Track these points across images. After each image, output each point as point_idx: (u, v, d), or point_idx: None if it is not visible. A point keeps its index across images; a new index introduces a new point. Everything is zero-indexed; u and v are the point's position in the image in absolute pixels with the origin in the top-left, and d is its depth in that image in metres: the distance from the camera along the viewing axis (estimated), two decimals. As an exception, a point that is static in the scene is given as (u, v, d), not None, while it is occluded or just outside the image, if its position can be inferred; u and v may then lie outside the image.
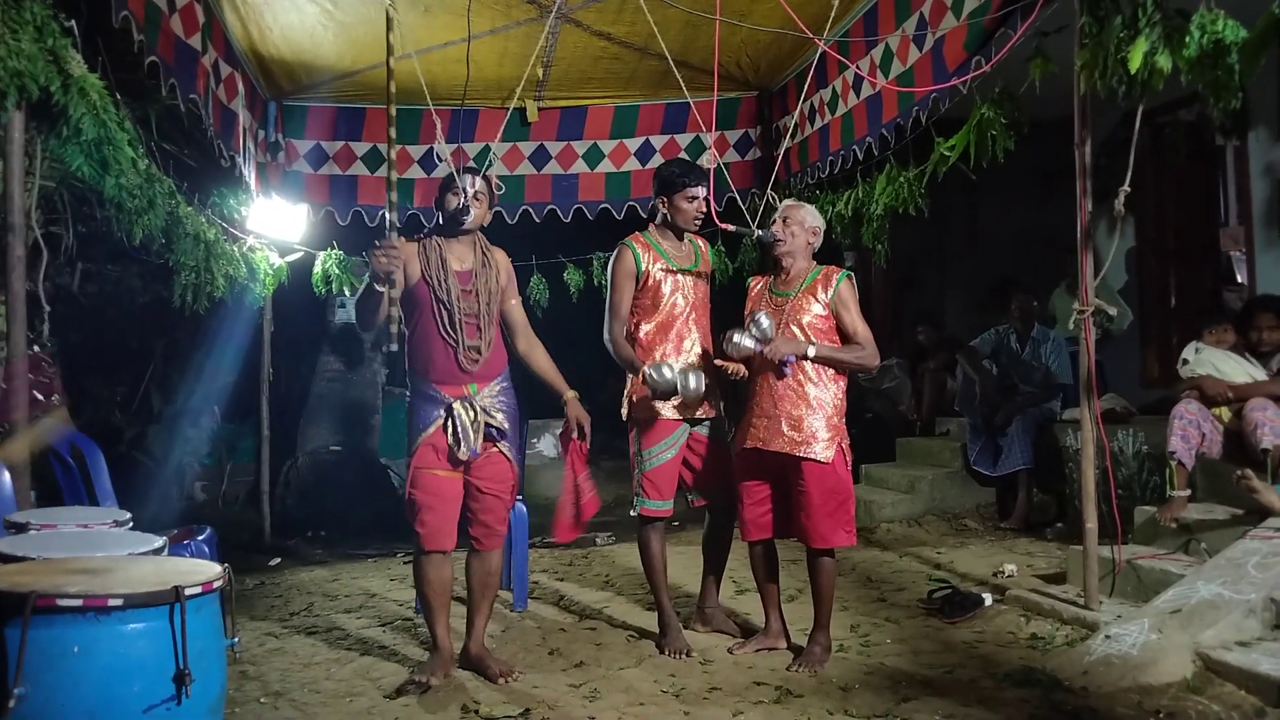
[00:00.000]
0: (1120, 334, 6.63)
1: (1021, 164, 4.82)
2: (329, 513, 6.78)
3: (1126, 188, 3.60)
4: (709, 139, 6.30)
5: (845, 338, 3.64)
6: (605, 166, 6.69)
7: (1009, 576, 4.69)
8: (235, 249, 5.58)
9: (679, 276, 3.88)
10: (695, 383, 3.65)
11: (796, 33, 4.31)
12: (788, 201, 3.86)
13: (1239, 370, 4.50)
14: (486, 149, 6.28)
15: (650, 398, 3.71)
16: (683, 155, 6.57)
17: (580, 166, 6.69)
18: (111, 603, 2.13)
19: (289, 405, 7.60)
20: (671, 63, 4.36)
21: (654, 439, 3.82)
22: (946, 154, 4.67)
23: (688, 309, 3.88)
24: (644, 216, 4.03)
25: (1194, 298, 6.72)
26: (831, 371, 3.61)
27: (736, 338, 3.55)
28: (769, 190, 5.12)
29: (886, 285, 9.00)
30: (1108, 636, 3.35)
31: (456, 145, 6.22)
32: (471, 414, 3.45)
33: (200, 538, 3.88)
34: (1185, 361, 4.66)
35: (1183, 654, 3.17)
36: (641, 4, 4.22)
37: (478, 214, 3.55)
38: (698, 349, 3.87)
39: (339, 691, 3.41)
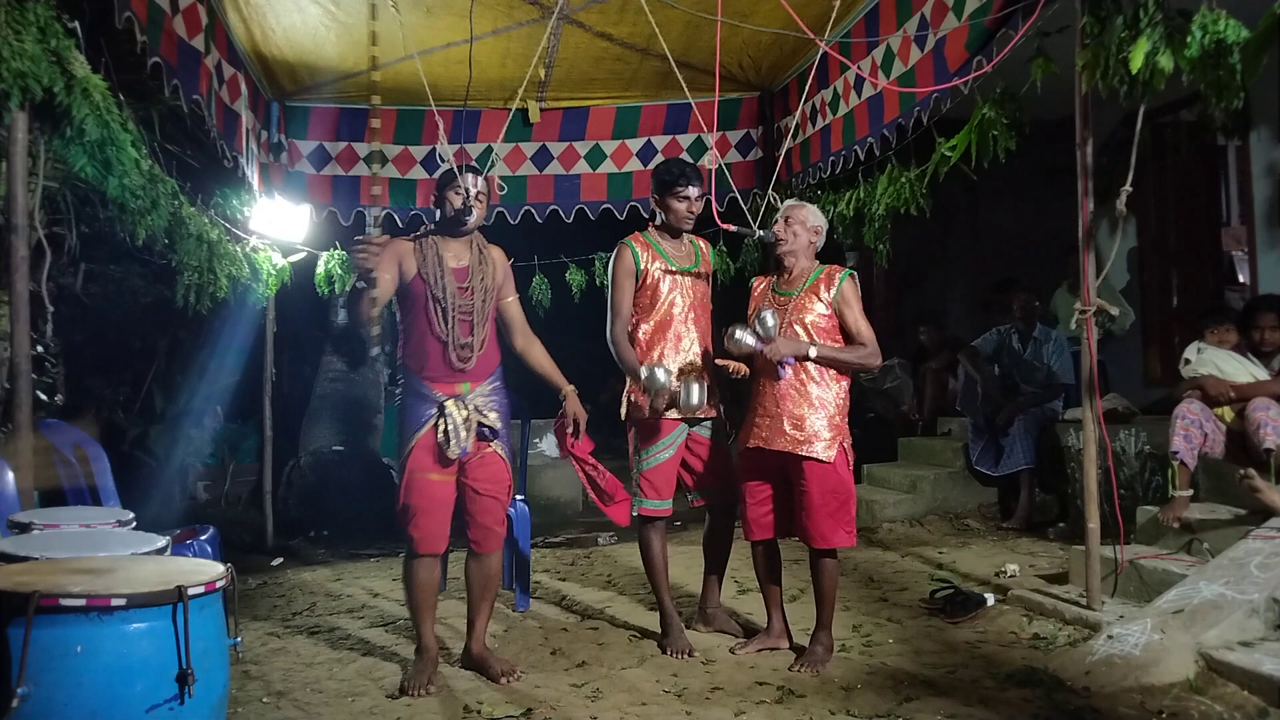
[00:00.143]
0: (1122, 334, 6.63)
1: (1023, 164, 4.82)
2: (331, 513, 6.78)
3: (1128, 187, 3.60)
4: (711, 139, 6.31)
5: (848, 337, 3.64)
6: (607, 167, 6.70)
7: (1011, 576, 4.69)
8: (238, 249, 5.59)
9: (678, 276, 3.89)
10: (697, 397, 3.66)
11: (798, 33, 4.31)
12: (790, 202, 3.86)
13: (1241, 370, 4.50)
14: (489, 149, 6.30)
15: (648, 402, 3.71)
16: (685, 155, 6.58)
17: (582, 167, 6.70)
18: (114, 602, 2.13)
19: (292, 405, 7.60)
20: (673, 63, 4.37)
21: (651, 439, 3.82)
22: (948, 154, 4.67)
23: (686, 309, 3.88)
24: (646, 217, 4.03)
25: (1196, 297, 6.71)
26: (834, 371, 3.61)
27: (739, 334, 3.54)
28: (770, 190, 5.11)
29: (888, 285, 9.00)
30: (1110, 636, 3.35)
31: (459, 146, 6.22)
32: (464, 413, 3.43)
33: (203, 537, 3.89)
34: (1187, 361, 4.66)
35: (1185, 654, 3.17)
36: (643, 5, 4.23)
37: (479, 213, 3.55)
38: (696, 349, 3.87)
39: (341, 691, 3.41)
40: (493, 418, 3.52)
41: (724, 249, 6.43)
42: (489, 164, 5.98)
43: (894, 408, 7.71)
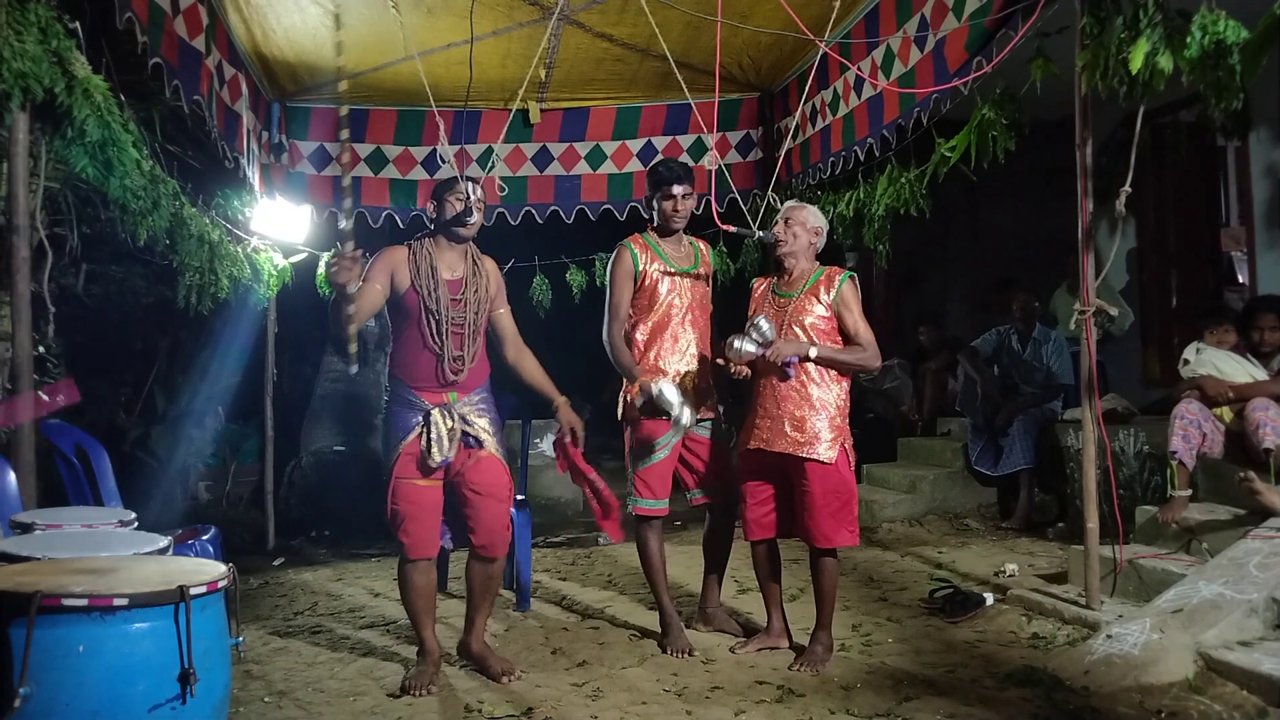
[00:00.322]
0: (1121, 334, 6.64)
1: (1023, 165, 4.83)
2: (333, 513, 6.79)
3: (1128, 188, 3.60)
4: (711, 140, 6.31)
5: (847, 339, 3.65)
6: (608, 168, 6.70)
7: (1010, 576, 4.70)
8: (239, 250, 5.60)
9: (676, 278, 3.89)
10: (688, 419, 3.66)
11: (798, 34, 4.32)
12: (790, 203, 3.87)
13: (1240, 370, 4.51)
14: (489, 150, 6.30)
15: (642, 406, 3.73)
16: (685, 156, 6.59)
17: (583, 168, 6.70)
18: (116, 602, 2.14)
19: (293, 405, 7.61)
20: (673, 64, 4.37)
21: (647, 439, 3.83)
22: (948, 155, 4.67)
23: (684, 310, 3.89)
24: (646, 218, 4.05)
25: (1195, 298, 6.72)
26: (834, 372, 3.62)
27: (738, 343, 3.55)
28: (770, 191, 5.12)
29: (888, 285, 9.00)
30: (1109, 636, 3.36)
31: (459, 146, 6.23)
32: (449, 422, 3.43)
33: (204, 538, 3.90)
34: (1186, 362, 4.66)
35: (1184, 654, 3.18)
36: (643, 5, 4.23)
37: (478, 219, 3.55)
38: (693, 350, 3.88)
39: (343, 691, 3.42)
40: (481, 424, 3.51)
41: (724, 250, 6.43)
42: (490, 165, 6.02)
43: (894, 408, 7.71)
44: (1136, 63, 3.27)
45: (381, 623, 4.29)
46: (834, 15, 4.44)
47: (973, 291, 8.34)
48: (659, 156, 6.58)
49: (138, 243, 4.46)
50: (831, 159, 5.78)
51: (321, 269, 6.55)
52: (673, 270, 3.89)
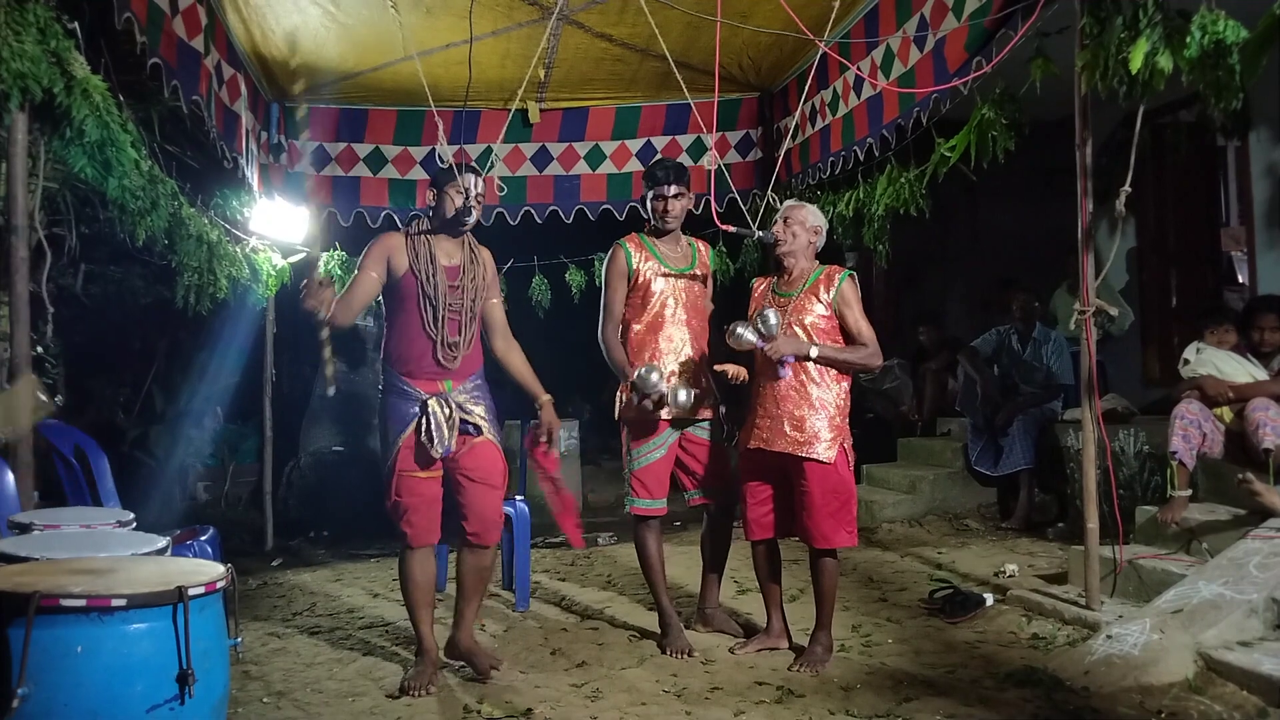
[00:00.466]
0: (1121, 334, 6.63)
1: (1022, 164, 4.83)
2: (331, 513, 6.79)
3: (1128, 188, 3.60)
4: (710, 140, 6.31)
5: (848, 338, 3.65)
6: (607, 168, 6.70)
7: (1010, 576, 4.70)
8: (238, 250, 5.59)
9: (671, 278, 3.90)
10: (684, 396, 3.68)
11: (797, 34, 4.31)
12: (789, 202, 3.86)
13: (1240, 370, 4.50)
14: (489, 150, 6.30)
15: (638, 401, 3.73)
16: (684, 156, 6.59)
17: (582, 168, 6.70)
18: (115, 603, 2.13)
19: (292, 406, 7.61)
20: (673, 64, 4.37)
21: (643, 439, 3.84)
22: (947, 154, 4.67)
23: (678, 310, 3.89)
24: (645, 218, 4.05)
25: (1195, 298, 6.72)
26: (834, 372, 3.61)
27: (740, 330, 3.54)
28: (770, 191, 5.12)
29: (888, 285, 9.00)
30: (1109, 636, 3.36)
31: (459, 146, 6.23)
32: (446, 411, 3.43)
33: (203, 538, 3.89)
34: (1186, 362, 4.66)
35: (1184, 654, 3.18)
36: (643, 5, 4.23)
37: (478, 214, 3.55)
38: (688, 350, 3.88)
39: (342, 691, 3.42)
40: (478, 411, 3.51)
41: (724, 250, 6.43)
42: (489, 165, 6.01)
43: (893, 408, 7.71)
44: (1136, 63, 3.27)
45: (380, 623, 4.29)
46: (834, 15, 4.43)
47: (972, 291, 8.34)
48: (658, 156, 6.58)
49: (136, 243, 4.45)
50: (831, 159, 5.78)
51: (321, 270, 6.55)
52: (667, 270, 3.90)
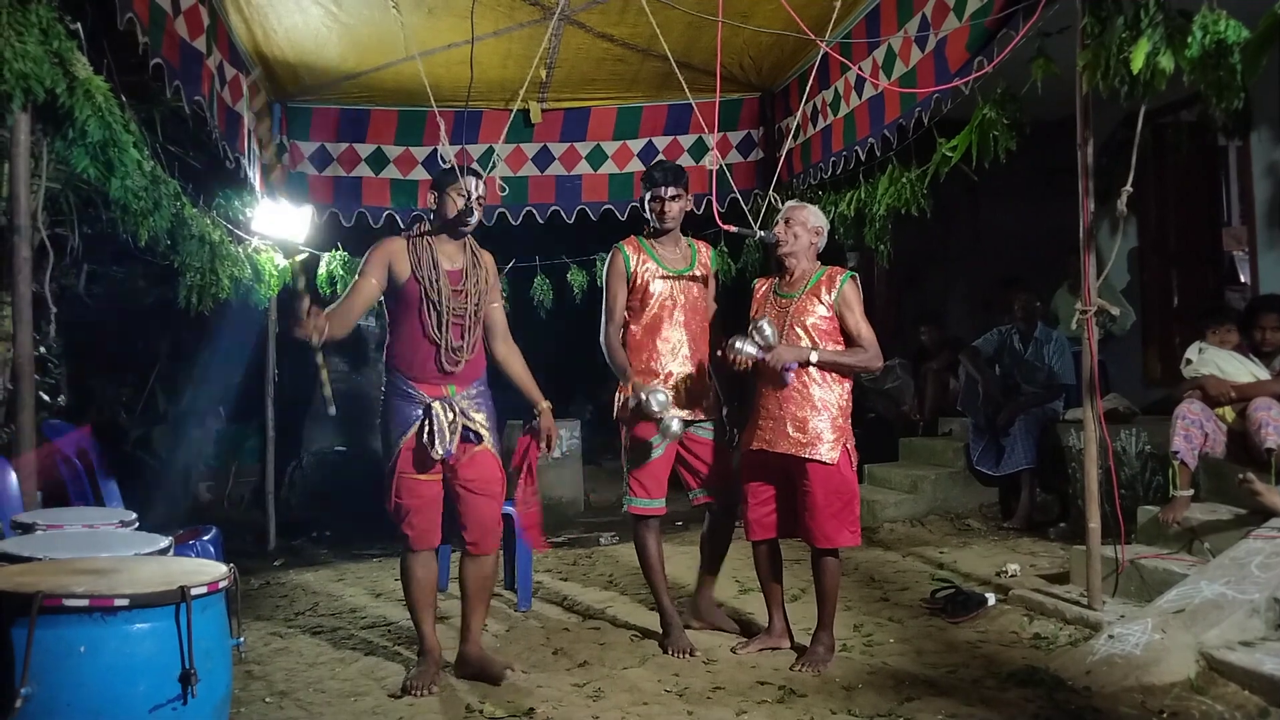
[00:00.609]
0: (1123, 334, 6.63)
1: (1024, 164, 4.82)
2: (334, 513, 6.80)
3: (1129, 188, 3.60)
4: (712, 140, 6.32)
5: (849, 339, 3.65)
6: (609, 168, 6.70)
7: (1012, 576, 4.70)
8: (240, 250, 5.60)
9: (670, 279, 3.91)
10: (676, 427, 3.70)
11: (799, 34, 4.32)
12: (790, 203, 3.87)
13: (1242, 370, 4.50)
14: (490, 150, 6.31)
15: (633, 406, 3.76)
16: (686, 156, 6.60)
17: (584, 168, 6.71)
18: (117, 603, 2.14)
19: (294, 406, 7.62)
20: (674, 64, 4.37)
21: (641, 438, 3.84)
22: (949, 154, 4.67)
23: (676, 311, 3.90)
24: (644, 219, 4.06)
25: (1196, 298, 6.71)
26: (836, 373, 3.62)
27: (739, 344, 3.55)
28: (771, 191, 5.12)
29: (889, 285, 8.99)
30: (1111, 636, 3.36)
31: (460, 146, 6.23)
32: (450, 415, 3.43)
33: (205, 538, 3.91)
34: (1189, 361, 4.66)
35: (1186, 654, 3.18)
36: (644, 6, 4.23)
37: (479, 216, 3.55)
38: (686, 350, 3.89)
39: (344, 691, 3.42)
40: (479, 419, 3.51)
41: (725, 250, 6.43)
42: (490, 165, 6.02)
43: (895, 408, 7.71)
44: (1137, 62, 3.27)
45: (382, 623, 4.30)
46: (835, 15, 4.43)
47: (974, 291, 8.33)
48: (660, 156, 6.59)
49: (139, 243, 4.46)
50: (832, 159, 5.78)
51: (323, 269, 6.56)
52: (665, 272, 3.91)
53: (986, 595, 4.24)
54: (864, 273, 7.06)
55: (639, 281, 3.90)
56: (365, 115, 6.45)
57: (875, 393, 7.70)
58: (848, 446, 3.61)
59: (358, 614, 4.48)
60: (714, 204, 3.82)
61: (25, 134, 3.42)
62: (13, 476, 3.45)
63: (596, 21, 5.40)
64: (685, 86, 4.26)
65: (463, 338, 3.49)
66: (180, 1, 4.10)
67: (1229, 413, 4.44)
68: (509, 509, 4.38)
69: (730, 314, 4.10)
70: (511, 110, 6.13)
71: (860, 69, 5.18)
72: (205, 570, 2.42)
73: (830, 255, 4.04)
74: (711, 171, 3.93)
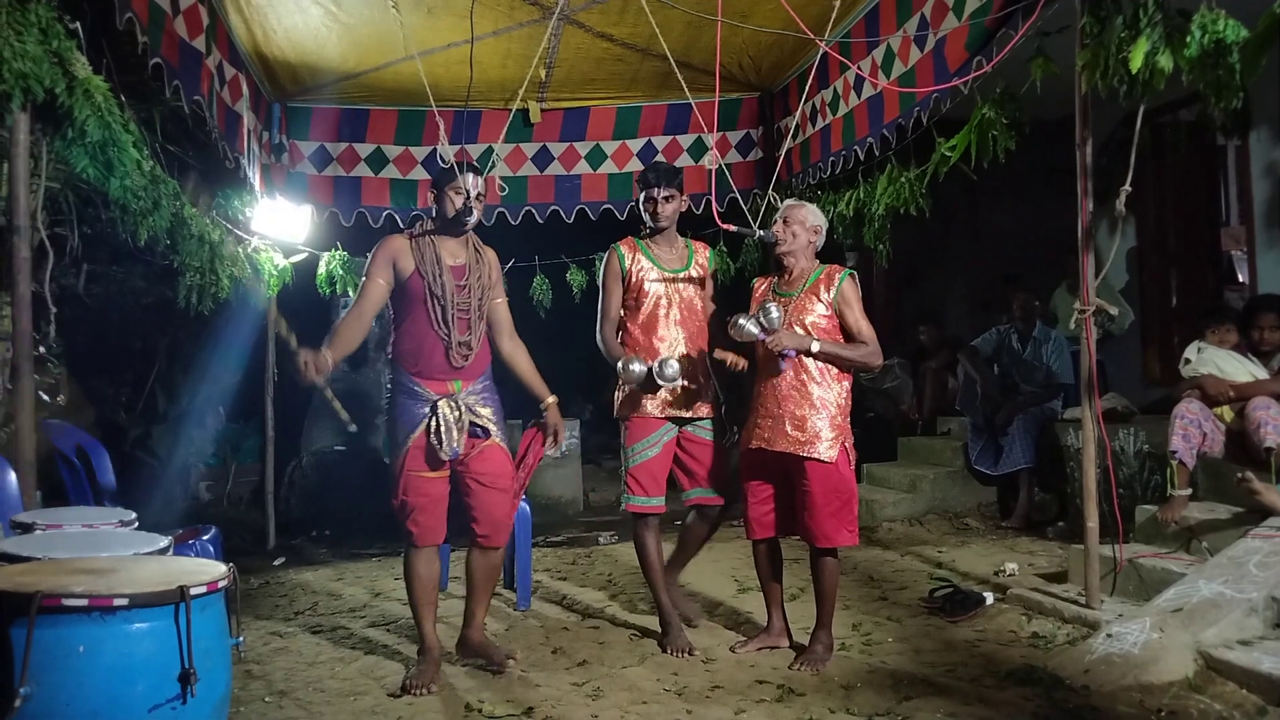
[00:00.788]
0: (1121, 334, 6.64)
1: (1023, 164, 4.83)
2: (333, 512, 6.80)
3: (1128, 187, 3.60)
4: (711, 140, 6.32)
5: (848, 337, 3.65)
6: (608, 167, 6.71)
7: (1010, 575, 4.70)
8: (240, 250, 5.60)
9: (665, 279, 3.93)
10: (671, 371, 3.70)
11: (798, 34, 4.32)
12: (789, 202, 3.87)
13: (1241, 370, 4.51)
14: (490, 150, 6.30)
15: (632, 391, 3.79)
16: (685, 156, 6.60)
17: (583, 167, 6.71)
18: (117, 602, 2.14)
19: (293, 405, 7.61)
20: (673, 64, 4.37)
21: (638, 435, 3.87)
22: (948, 154, 4.67)
23: (671, 310, 3.92)
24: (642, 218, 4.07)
25: (1195, 297, 6.72)
26: (835, 371, 3.62)
27: (742, 321, 3.54)
28: (770, 190, 5.12)
29: (888, 285, 9.01)
30: (1109, 635, 3.36)
31: (460, 146, 6.23)
32: (456, 412, 3.44)
33: (205, 537, 3.90)
34: (1187, 361, 4.66)
35: (1184, 653, 3.18)
36: (643, 5, 4.24)
37: (479, 213, 3.56)
38: (682, 349, 3.91)
39: (343, 690, 3.42)
40: (486, 414, 3.53)
41: (724, 249, 6.43)
42: (490, 164, 6.02)
43: (894, 407, 7.72)
44: (1136, 62, 3.27)
45: (382, 622, 4.30)
46: (834, 15, 4.43)
47: (973, 291, 8.34)
48: (659, 156, 6.59)
49: (138, 243, 4.46)
50: (832, 158, 5.78)
51: (322, 269, 6.56)
52: (661, 271, 3.93)
53: (985, 594, 4.25)
54: (863, 272, 7.04)
55: (634, 281, 3.92)
56: (365, 115, 6.45)
57: (874, 392, 7.71)
58: (846, 445, 3.61)
59: (357, 613, 4.48)
60: (713, 203, 3.83)
61: (24, 134, 3.42)
62: (12, 476, 3.45)
63: (596, 21, 5.40)
64: (684, 86, 4.27)
65: (468, 332, 3.50)
66: (179, 1, 4.10)
67: (1227, 412, 4.45)
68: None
69: (729, 313, 4.10)
70: (511, 110, 6.14)
71: (859, 68, 5.18)
72: (204, 570, 2.42)
73: (829, 255, 4.05)
74: (711, 171, 3.94)
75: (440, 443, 3.39)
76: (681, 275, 3.96)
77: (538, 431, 3.82)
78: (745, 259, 6.58)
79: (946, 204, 5.79)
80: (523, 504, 4.56)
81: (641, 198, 3.97)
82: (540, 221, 6.74)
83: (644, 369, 3.73)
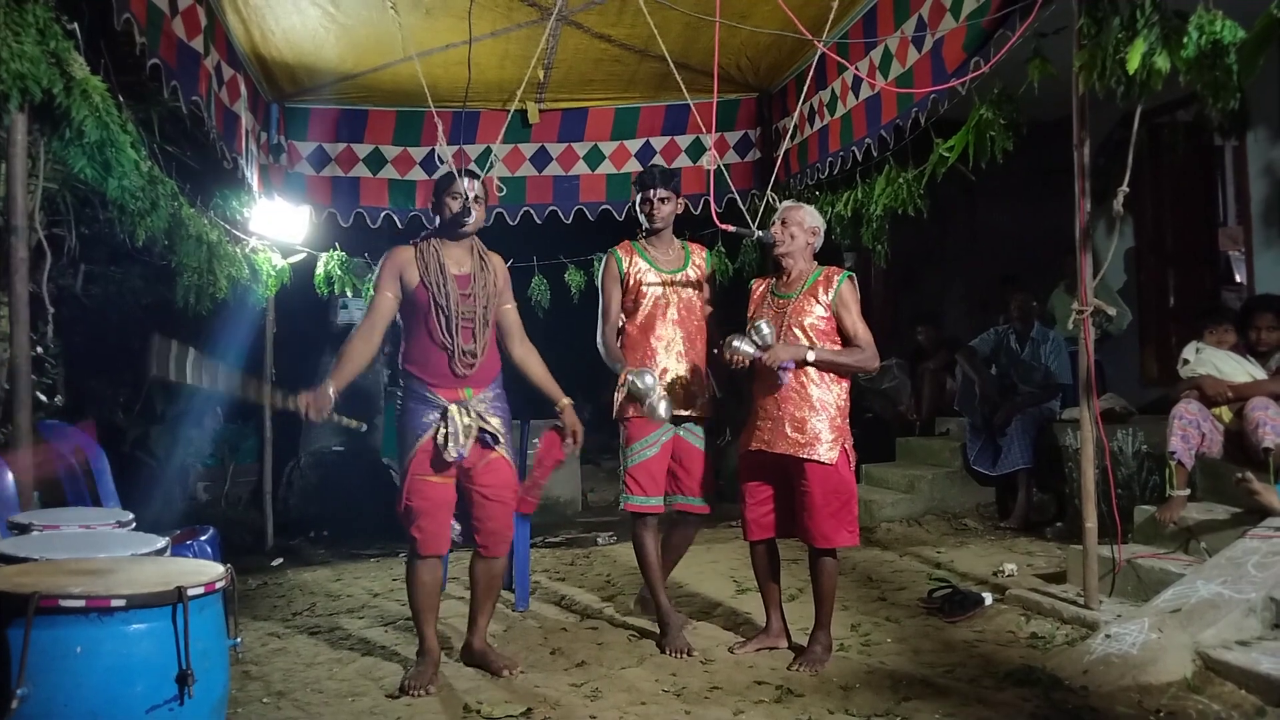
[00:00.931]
0: (1119, 334, 6.64)
1: (1020, 165, 4.83)
2: (331, 513, 6.79)
3: (1125, 188, 3.61)
4: (709, 140, 6.31)
5: (845, 339, 3.65)
6: (606, 168, 6.71)
7: (1009, 576, 4.70)
8: (238, 250, 5.60)
9: (662, 280, 3.95)
10: (664, 410, 3.72)
11: (796, 34, 4.31)
12: (787, 203, 3.87)
13: (1239, 370, 4.51)
14: (488, 150, 6.31)
15: (627, 399, 3.80)
16: (683, 156, 6.60)
17: (581, 168, 6.71)
18: (114, 603, 2.14)
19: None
20: (672, 65, 4.37)
21: (636, 436, 3.88)
22: (945, 155, 4.67)
23: (670, 311, 3.94)
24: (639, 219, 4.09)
25: (1193, 298, 6.73)
26: (834, 373, 3.62)
27: (737, 343, 3.56)
28: (769, 191, 5.12)
29: (886, 286, 9.01)
30: (1108, 636, 3.36)
31: (458, 147, 6.23)
32: (466, 418, 3.45)
33: (203, 538, 3.90)
34: (1186, 361, 4.67)
35: (1182, 653, 3.18)
36: (641, 6, 4.24)
37: (478, 216, 3.56)
38: (680, 348, 3.92)
39: (342, 691, 3.42)
40: (495, 423, 3.53)
41: (723, 250, 6.43)
42: (488, 165, 6.01)
43: (892, 408, 7.72)
44: (1134, 63, 3.27)
45: (380, 623, 4.29)
46: (832, 15, 4.43)
47: (971, 291, 8.34)
48: (657, 157, 6.60)
49: (136, 243, 4.46)
50: (830, 159, 5.78)
51: (320, 270, 6.56)
52: (658, 273, 3.95)
53: (983, 595, 4.25)
54: (861, 273, 7.03)
55: (632, 283, 3.94)
56: (363, 116, 6.45)
57: (872, 393, 7.70)
58: (846, 446, 3.61)
59: (355, 614, 4.48)
60: (711, 204, 3.83)
61: (22, 134, 3.41)
62: (9, 477, 3.44)
63: (594, 22, 5.41)
64: (683, 87, 4.27)
65: (473, 341, 3.51)
66: (177, 2, 4.10)
67: (1226, 412, 4.45)
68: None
69: (727, 314, 4.11)
70: (509, 111, 6.13)
71: (857, 69, 5.18)
72: (202, 570, 2.41)
73: (827, 255, 4.05)
74: (709, 172, 3.94)
75: (447, 446, 3.39)
76: (679, 276, 3.98)
77: (556, 434, 3.81)
78: (743, 260, 6.58)
79: (944, 205, 5.79)
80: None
81: (638, 199, 3.99)
82: (538, 222, 6.74)
83: (654, 379, 3.74)
